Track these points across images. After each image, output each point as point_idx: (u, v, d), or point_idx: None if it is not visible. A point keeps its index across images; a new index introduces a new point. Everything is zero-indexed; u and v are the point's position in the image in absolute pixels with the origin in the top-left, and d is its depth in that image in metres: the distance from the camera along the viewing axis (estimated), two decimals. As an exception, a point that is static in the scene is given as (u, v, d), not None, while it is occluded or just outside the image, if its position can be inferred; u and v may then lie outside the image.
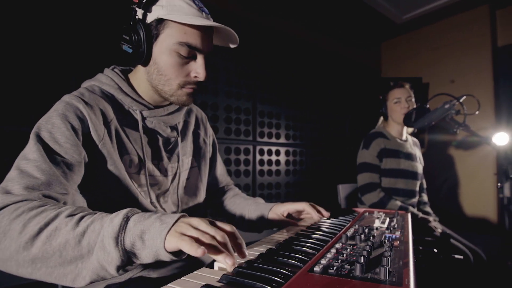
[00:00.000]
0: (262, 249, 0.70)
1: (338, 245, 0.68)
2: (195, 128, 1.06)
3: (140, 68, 0.87)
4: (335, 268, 0.54)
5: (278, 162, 3.02)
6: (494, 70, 3.25)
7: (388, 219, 0.97)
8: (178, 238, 0.51)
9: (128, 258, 0.53)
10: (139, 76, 0.87)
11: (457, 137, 3.40)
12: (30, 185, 0.62)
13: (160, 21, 0.78)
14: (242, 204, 1.12)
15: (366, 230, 0.80)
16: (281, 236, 0.83)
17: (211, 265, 0.61)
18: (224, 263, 0.52)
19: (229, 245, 0.54)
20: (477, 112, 1.60)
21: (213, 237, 0.53)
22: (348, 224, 0.93)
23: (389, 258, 0.55)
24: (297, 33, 3.26)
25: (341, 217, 1.05)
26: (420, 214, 1.84)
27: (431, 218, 1.82)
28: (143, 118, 0.88)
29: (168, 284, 0.51)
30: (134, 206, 0.73)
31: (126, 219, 0.55)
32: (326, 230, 0.85)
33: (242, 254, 0.58)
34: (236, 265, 0.54)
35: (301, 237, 0.78)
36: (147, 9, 0.78)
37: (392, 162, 1.93)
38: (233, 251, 0.55)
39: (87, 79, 0.88)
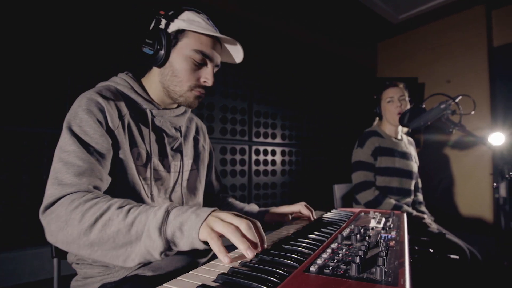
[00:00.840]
0: (258, 249, 0.70)
1: (334, 245, 0.68)
2: (195, 134, 1.16)
3: (154, 70, 0.98)
4: (330, 268, 0.54)
5: (274, 162, 3.02)
6: (490, 70, 3.26)
7: (383, 219, 0.97)
8: (208, 235, 0.60)
9: (169, 246, 0.63)
10: (152, 78, 0.99)
11: (453, 137, 3.42)
12: (78, 172, 0.73)
13: (180, 31, 0.92)
14: (238, 207, 1.19)
15: (362, 230, 0.80)
16: (277, 236, 0.83)
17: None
18: (246, 254, 0.59)
19: (252, 231, 0.62)
20: (473, 112, 1.60)
21: (237, 228, 0.61)
22: (344, 224, 0.93)
23: (384, 258, 0.55)
24: (293, 34, 3.26)
25: (336, 218, 1.05)
26: (415, 212, 1.84)
27: (425, 215, 1.83)
28: (152, 116, 0.97)
29: (164, 284, 0.50)
30: (135, 197, 0.85)
31: (167, 213, 0.64)
32: (322, 230, 0.85)
33: (261, 247, 0.64)
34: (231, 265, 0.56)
35: (297, 237, 0.78)
36: (170, 20, 0.92)
37: (387, 160, 1.93)
38: (257, 239, 0.62)
39: (101, 81, 0.97)
